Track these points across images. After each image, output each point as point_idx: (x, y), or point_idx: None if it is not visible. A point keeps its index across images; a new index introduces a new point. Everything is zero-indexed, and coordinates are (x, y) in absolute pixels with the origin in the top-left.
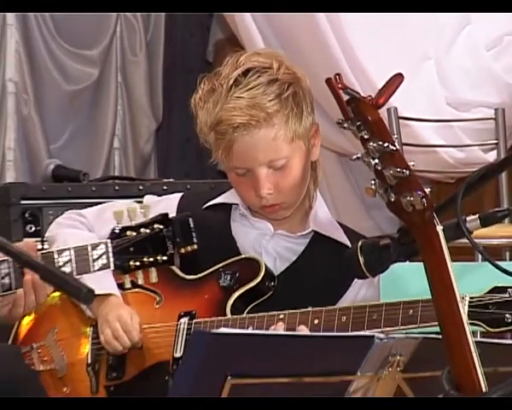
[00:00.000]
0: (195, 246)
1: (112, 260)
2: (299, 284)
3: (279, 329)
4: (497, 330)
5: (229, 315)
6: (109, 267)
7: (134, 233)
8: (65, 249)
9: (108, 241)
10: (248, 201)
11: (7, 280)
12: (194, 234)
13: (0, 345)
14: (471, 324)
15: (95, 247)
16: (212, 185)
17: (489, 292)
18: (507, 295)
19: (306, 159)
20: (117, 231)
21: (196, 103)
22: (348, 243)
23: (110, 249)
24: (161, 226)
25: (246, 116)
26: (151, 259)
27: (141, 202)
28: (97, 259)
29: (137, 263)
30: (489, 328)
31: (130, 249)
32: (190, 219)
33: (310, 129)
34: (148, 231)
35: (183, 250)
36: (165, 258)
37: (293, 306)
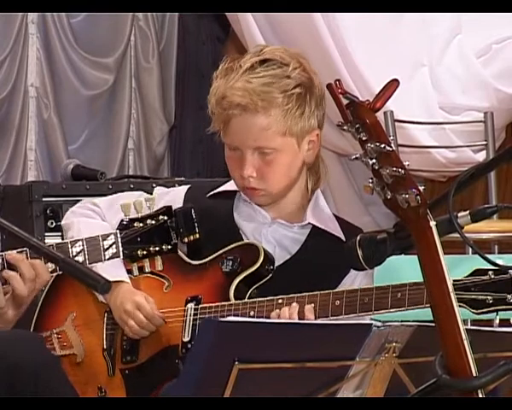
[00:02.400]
0: (198, 235)
1: (121, 249)
2: (298, 274)
3: (293, 309)
4: (480, 311)
5: (232, 299)
6: (119, 256)
7: (141, 224)
8: (78, 240)
9: (117, 232)
10: (234, 177)
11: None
12: (196, 224)
13: (23, 332)
14: None
15: (105, 237)
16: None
17: (471, 274)
18: (487, 277)
19: (295, 158)
20: (125, 222)
21: (216, 76)
22: (342, 237)
23: (119, 239)
24: (166, 218)
25: (246, 98)
26: (157, 248)
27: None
28: (108, 248)
29: (144, 252)
30: (472, 309)
31: (138, 239)
32: (193, 210)
33: (307, 132)
34: (153, 222)
35: (186, 239)
36: (169, 247)
37: (293, 294)
